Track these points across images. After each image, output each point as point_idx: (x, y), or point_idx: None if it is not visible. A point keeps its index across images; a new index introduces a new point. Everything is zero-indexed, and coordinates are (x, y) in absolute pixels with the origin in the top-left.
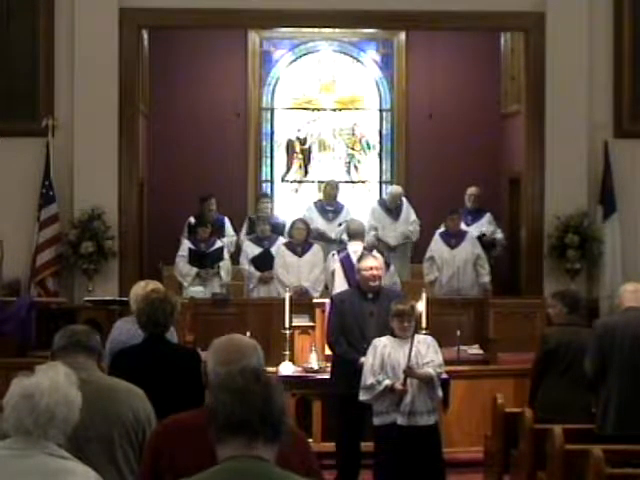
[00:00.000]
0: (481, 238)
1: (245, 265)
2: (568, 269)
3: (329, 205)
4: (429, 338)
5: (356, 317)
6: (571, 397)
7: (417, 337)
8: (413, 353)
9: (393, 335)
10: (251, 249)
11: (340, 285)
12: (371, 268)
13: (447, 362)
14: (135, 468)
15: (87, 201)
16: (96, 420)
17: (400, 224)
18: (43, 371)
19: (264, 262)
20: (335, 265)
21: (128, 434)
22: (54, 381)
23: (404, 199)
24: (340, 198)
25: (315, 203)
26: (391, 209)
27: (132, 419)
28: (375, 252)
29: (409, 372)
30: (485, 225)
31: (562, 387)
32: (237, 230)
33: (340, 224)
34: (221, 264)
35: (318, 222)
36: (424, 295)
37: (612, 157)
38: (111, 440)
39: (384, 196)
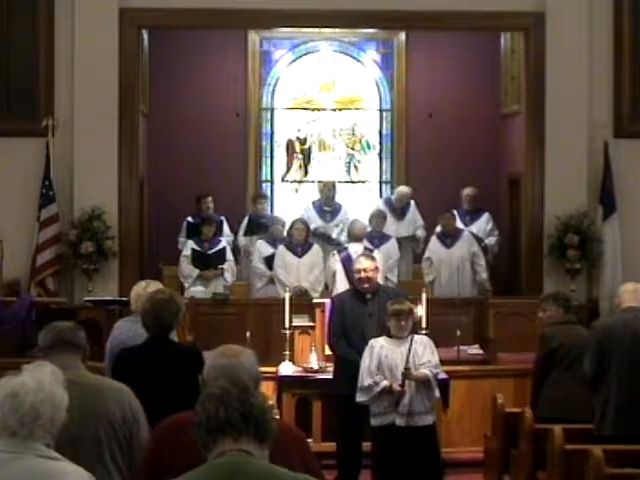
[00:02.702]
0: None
1: (258, 263)
2: (568, 269)
3: (327, 205)
4: (425, 338)
5: (355, 318)
6: (575, 395)
7: (414, 337)
8: (410, 353)
9: (389, 335)
10: (265, 249)
11: (341, 285)
12: (360, 270)
13: (447, 362)
14: (122, 467)
15: (87, 201)
16: (83, 419)
17: (404, 224)
18: (29, 370)
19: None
20: (336, 265)
21: (115, 433)
22: (40, 380)
23: (412, 202)
24: (340, 198)
25: (313, 203)
26: (396, 209)
27: (119, 418)
28: (376, 252)
29: (407, 374)
30: (483, 225)
31: (566, 385)
32: (235, 230)
33: (337, 225)
34: (225, 266)
35: (316, 222)
36: (424, 296)
37: (612, 157)
38: (98, 439)
39: (391, 195)
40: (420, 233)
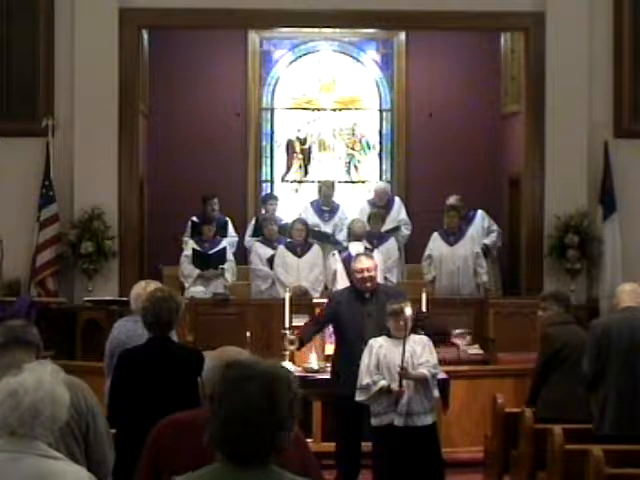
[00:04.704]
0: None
1: (259, 265)
2: (568, 269)
3: (325, 205)
4: (425, 338)
5: (354, 317)
6: (575, 396)
7: (412, 337)
8: (408, 353)
9: (389, 335)
10: (263, 250)
11: (342, 285)
12: (363, 270)
13: (447, 362)
14: (82, 462)
15: (87, 201)
16: None
17: (389, 222)
18: (29, 369)
19: None
20: (337, 265)
21: (70, 428)
22: (39, 378)
23: (397, 198)
24: (340, 198)
25: (312, 203)
26: (380, 207)
27: (74, 412)
28: (375, 252)
29: (403, 373)
30: (479, 224)
31: (567, 386)
32: (238, 230)
33: (336, 224)
34: (225, 266)
35: (314, 222)
36: (424, 297)
37: (612, 157)
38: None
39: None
40: (403, 230)
